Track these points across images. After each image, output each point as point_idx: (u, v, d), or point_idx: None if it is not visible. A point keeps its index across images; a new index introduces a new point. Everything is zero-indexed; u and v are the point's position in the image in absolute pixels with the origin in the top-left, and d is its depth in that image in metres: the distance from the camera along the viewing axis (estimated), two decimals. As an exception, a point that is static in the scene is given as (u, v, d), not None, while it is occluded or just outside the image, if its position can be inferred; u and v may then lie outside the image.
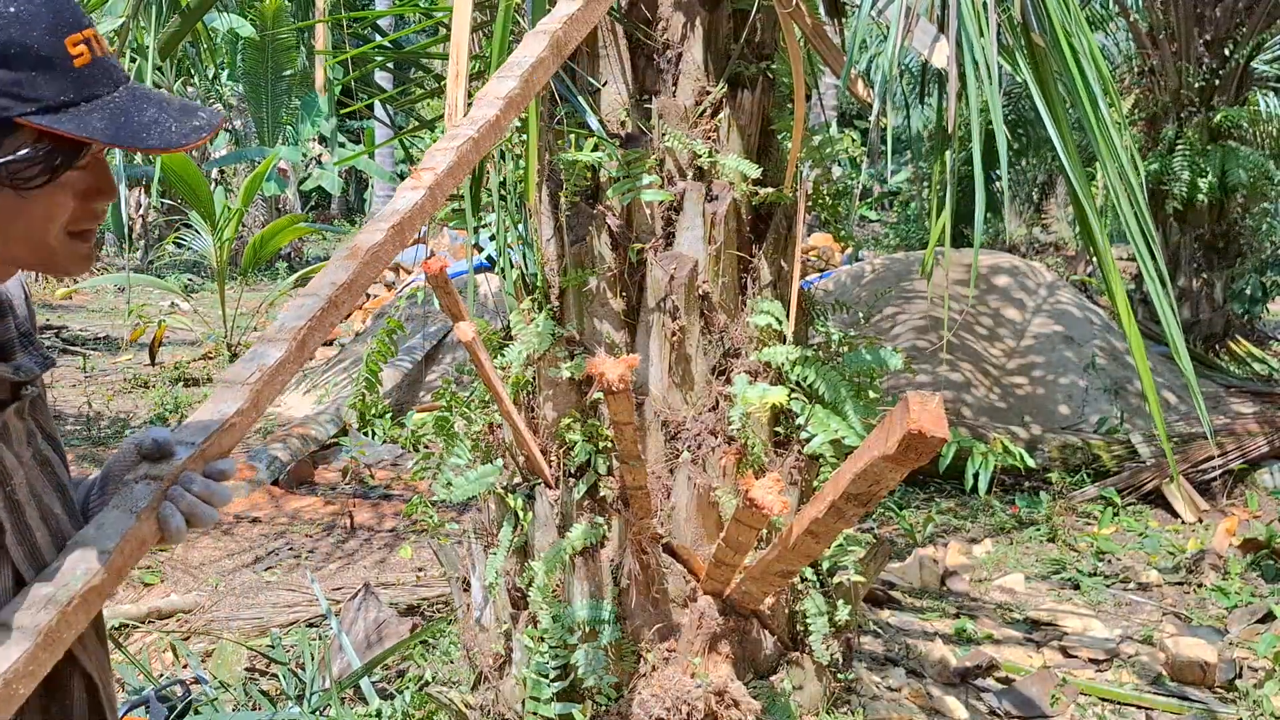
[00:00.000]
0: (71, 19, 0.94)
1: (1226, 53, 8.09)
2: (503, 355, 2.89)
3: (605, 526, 2.81)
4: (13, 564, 1.03)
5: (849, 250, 11.00)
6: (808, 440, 2.81)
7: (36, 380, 1.12)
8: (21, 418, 1.09)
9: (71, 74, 0.93)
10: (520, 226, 3.04)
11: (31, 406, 1.11)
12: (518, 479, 3.00)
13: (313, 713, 3.17)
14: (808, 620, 2.88)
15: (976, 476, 4.15)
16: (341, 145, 17.24)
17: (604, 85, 2.82)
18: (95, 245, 1.07)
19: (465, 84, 2.26)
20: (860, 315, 6.09)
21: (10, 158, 0.92)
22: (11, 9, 0.91)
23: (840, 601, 2.97)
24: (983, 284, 6.76)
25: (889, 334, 6.51)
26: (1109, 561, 4.90)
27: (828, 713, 2.98)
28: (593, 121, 2.75)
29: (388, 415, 6.58)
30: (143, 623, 3.83)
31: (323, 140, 17.02)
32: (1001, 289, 6.84)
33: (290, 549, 4.89)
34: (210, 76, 16.30)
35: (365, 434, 6.54)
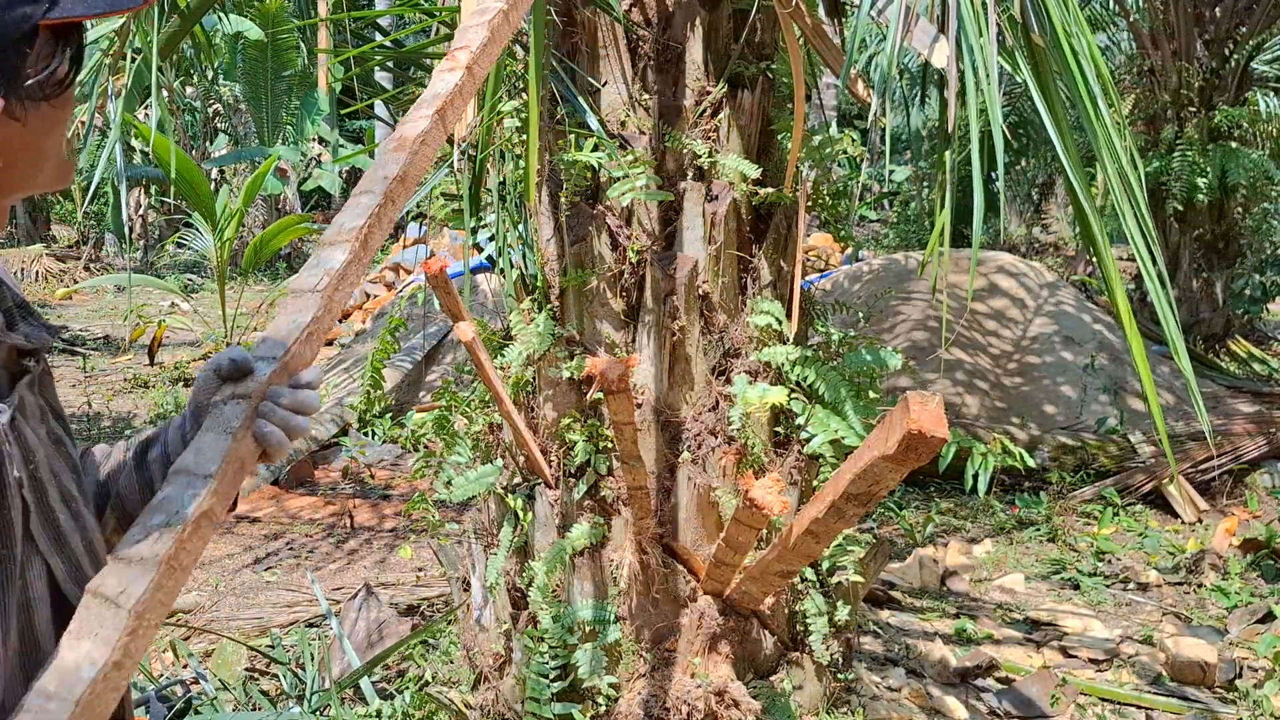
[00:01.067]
0: None
1: (1226, 53, 8.09)
2: (503, 355, 2.89)
3: (605, 527, 2.81)
4: (40, 550, 0.99)
5: (848, 250, 11.00)
6: (808, 440, 2.81)
7: (43, 354, 1.06)
8: (34, 392, 1.05)
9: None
10: (520, 226, 3.04)
11: (40, 382, 1.07)
12: (518, 479, 3.00)
13: (313, 713, 3.17)
14: (808, 620, 2.88)
15: (976, 477, 4.14)
16: (341, 146, 17.24)
17: (604, 85, 2.82)
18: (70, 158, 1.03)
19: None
20: (860, 315, 6.09)
21: (49, 67, 0.92)
22: None
23: (840, 601, 2.97)
24: (983, 283, 6.76)
25: (889, 333, 6.51)
26: (1109, 561, 4.90)
27: (828, 713, 2.98)
28: (593, 121, 2.75)
29: (388, 415, 6.59)
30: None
31: (323, 140, 17.02)
32: (1002, 289, 6.84)
33: (290, 549, 4.89)
34: (210, 78, 16.31)
35: (365, 434, 6.54)
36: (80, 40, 0.95)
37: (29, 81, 0.91)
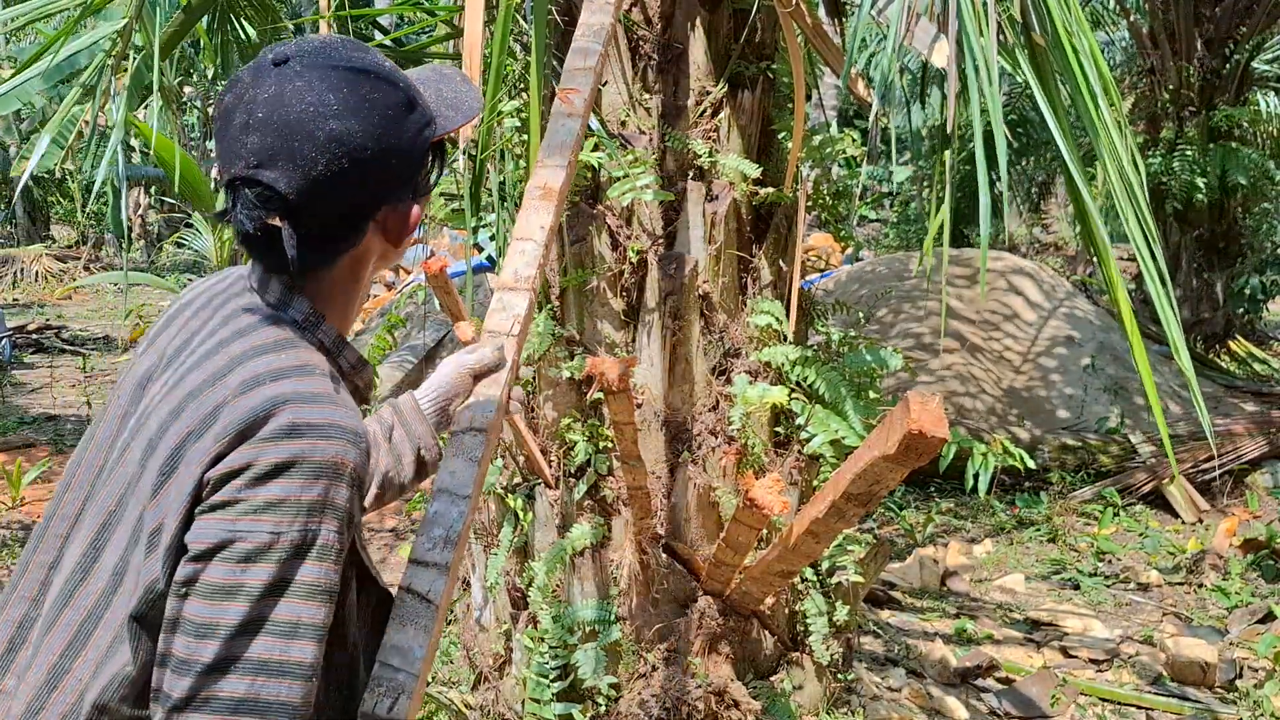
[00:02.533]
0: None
1: (1227, 52, 8.09)
2: (503, 355, 2.89)
3: (605, 527, 2.81)
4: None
5: (849, 250, 11.00)
6: (808, 440, 2.81)
7: None
8: None
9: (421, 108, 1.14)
10: (520, 226, 3.02)
11: None
12: (518, 479, 2.99)
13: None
14: (808, 620, 2.88)
15: (976, 477, 4.14)
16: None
17: (604, 85, 2.82)
18: None
19: (479, 84, 2.26)
20: (861, 315, 6.09)
21: (431, 173, 1.16)
22: (373, 71, 1.08)
23: (840, 602, 2.97)
24: (1002, 284, 6.76)
25: (889, 333, 6.50)
26: (1109, 562, 4.90)
27: (828, 713, 2.98)
28: (593, 121, 2.75)
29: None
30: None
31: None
32: (1002, 290, 6.84)
33: (290, 549, 4.88)
34: (210, 77, 16.30)
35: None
36: (444, 148, 1.18)
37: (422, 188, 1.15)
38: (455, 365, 1.38)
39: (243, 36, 4.10)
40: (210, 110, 17.42)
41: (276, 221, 1.04)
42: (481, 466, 1.30)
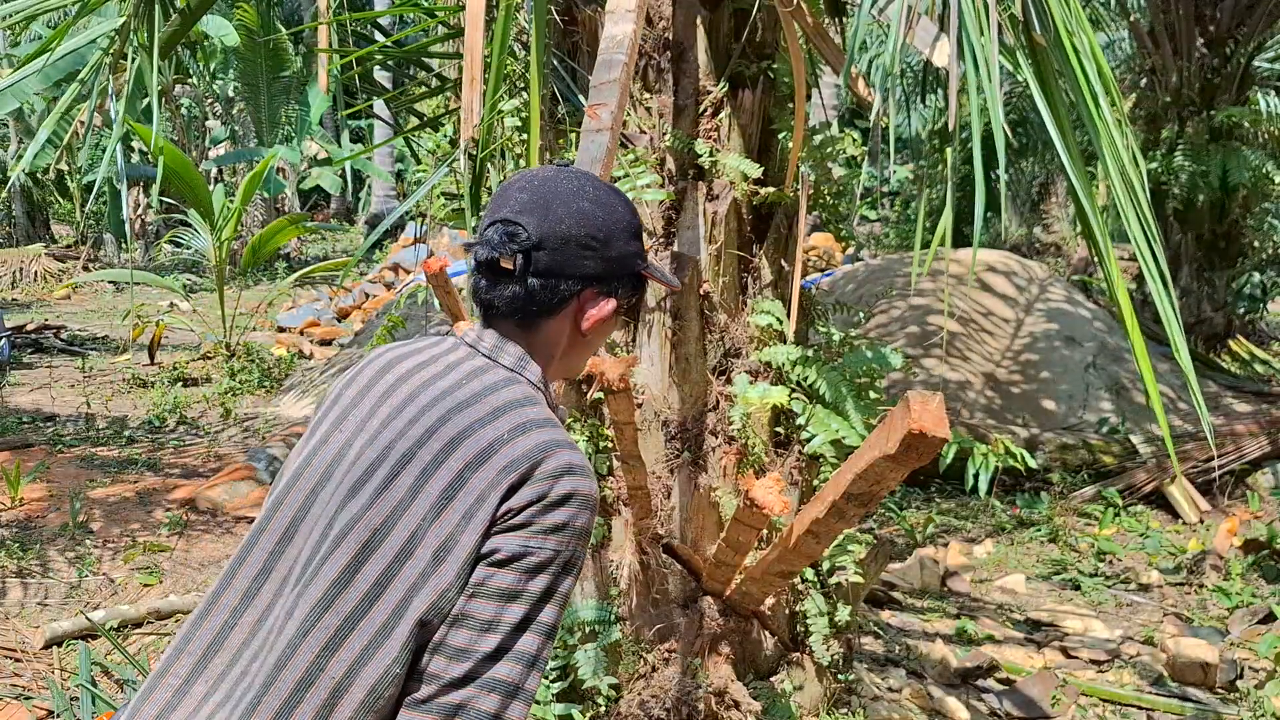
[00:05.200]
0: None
1: (1227, 52, 8.08)
2: (502, 355, 2.88)
3: (605, 527, 2.81)
4: None
5: (849, 250, 11.00)
6: (808, 440, 2.81)
7: None
8: None
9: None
10: (520, 226, 3.01)
11: None
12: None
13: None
14: (808, 621, 2.88)
15: (977, 477, 4.14)
16: (329, 142, 17.23)
17: (604, 84, 2.81)
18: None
19: (480, 88, 2.25)
20: (861, 315, 6.08)
21: (629, 297, 1.35)
22: (622, 199, 1.34)
23: (840, 602, 2.96)
24: (978, 283, 6.76)
25: (888, 333, 6.50)
26: (1110, 562, 4.89)
27: (828, 713, 2.98)
28: (593, 121, 2.74)
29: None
30: (141, 624, 3.82)
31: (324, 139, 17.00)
32: (992, 287, 6.84)
33: (290, 549, 4.88)
34: (208, 79, 16.30)
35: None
36: (645, 286, 1.38)
37: (664, 279, 1.38)
38: None
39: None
40: (206, 110, 17.43)
41: (513, 263, 1.27)
42: None
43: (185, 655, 1.24)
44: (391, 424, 1.25)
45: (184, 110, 17.11)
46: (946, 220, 2.32)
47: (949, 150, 2.44)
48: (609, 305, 1.32)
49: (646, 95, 2.85)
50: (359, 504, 1.20)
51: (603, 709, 2.75)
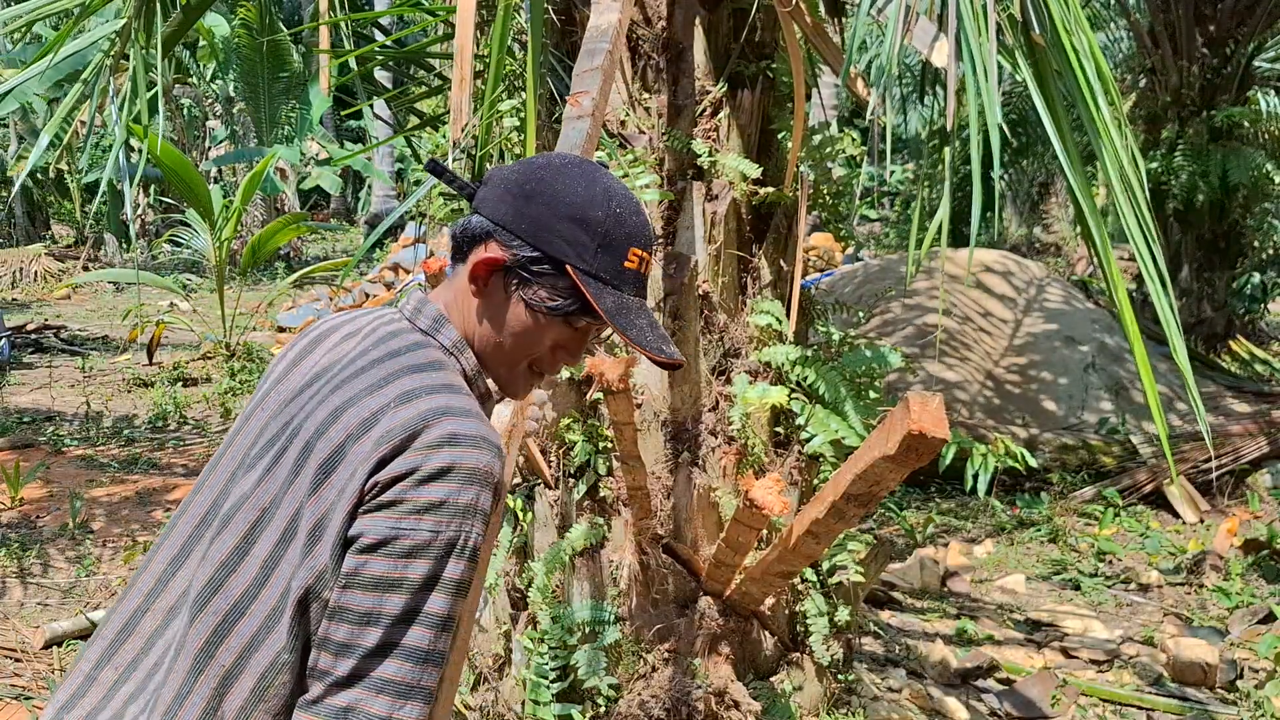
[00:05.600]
0: (644, 239, 1.22)
1: (1227, 52, 8.08)
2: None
3: (605, 527, 2.81)
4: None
5: (849, 250, 11.00)
6: (808, 440, 2.81)
7: None
8: None
9: (617, 267, 1.20)
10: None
11: None
12: (517, 479, 2.99)
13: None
14: (808, 621, 2.87)
15: (976, 477, 4.13)
16: (329, 142, 17.23)
17: (603, 84, 2.81)
18: (534, 382, 1.29)
19: (470, 88, 2.25)
20: (860, 315, 6.08)
21: (550, 290, 1.18)
22: (618, 209, 1.19)
23: (840, 602, 2.96)
24: (976, 283, 6.76)
25: (888, 332, 6.50)
26: (1110, 562, 4.89)
27: (828, 713, 2.98)
28: (592, 121, 2.74)
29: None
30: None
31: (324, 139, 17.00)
32: (995, 287, 6.84)
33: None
34: (208, 78, 16.30)
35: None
36: (582, 312, 1.20)
37: (600, 303, 1.18)
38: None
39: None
40: (206, 109, 17.44)
41: (462, 189, 1.23)
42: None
43: (98, 640, 1.19)
44: (297, 398, 1.17)
45: (184, 110, 17.12)
46: (943, 220, 2.32)
47: (947, 150, 2.44)
48: (499, 256, 1.17)
49: (645, 95, 2.85)
50: (250, 482, 1.13)
51: (602, 709, 2.75)
